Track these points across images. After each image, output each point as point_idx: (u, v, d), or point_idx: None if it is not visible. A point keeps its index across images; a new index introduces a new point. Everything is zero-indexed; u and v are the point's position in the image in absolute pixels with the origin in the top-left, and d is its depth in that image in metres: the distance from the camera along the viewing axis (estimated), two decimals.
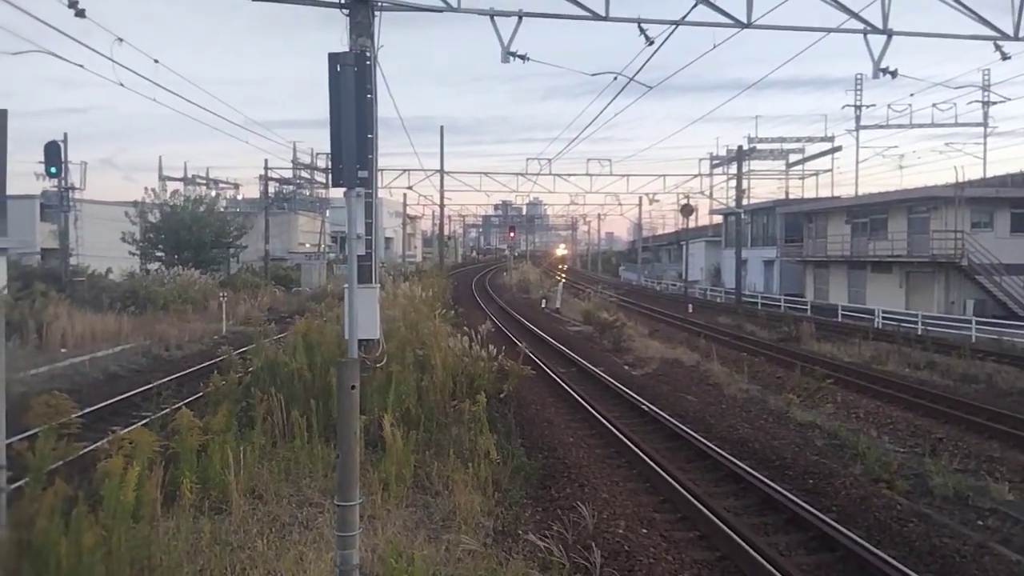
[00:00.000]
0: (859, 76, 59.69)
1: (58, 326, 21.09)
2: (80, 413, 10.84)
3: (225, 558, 6.23)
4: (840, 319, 34.48)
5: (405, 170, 50.62)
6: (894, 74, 15.72)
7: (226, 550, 6.46)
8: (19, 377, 14.69)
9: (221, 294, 29.33)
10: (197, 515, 7.22)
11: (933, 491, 9.85)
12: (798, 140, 63.87)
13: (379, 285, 13.48)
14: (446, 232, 75.37)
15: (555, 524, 7.72)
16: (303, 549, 6.50)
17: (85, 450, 8.28)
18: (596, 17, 14.20)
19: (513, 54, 14.22)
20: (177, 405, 11.60)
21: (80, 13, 13.53)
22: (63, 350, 20.15)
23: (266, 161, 50.80)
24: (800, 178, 67.15)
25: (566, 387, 15.97)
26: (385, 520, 7.40)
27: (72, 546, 4.89)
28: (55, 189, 34.42)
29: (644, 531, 7.87)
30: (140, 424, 9.54)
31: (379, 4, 12.42)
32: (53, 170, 28.25)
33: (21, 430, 7.37)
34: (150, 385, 14.93)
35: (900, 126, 59.20)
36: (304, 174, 61.04)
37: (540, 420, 12.97)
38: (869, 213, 40.21)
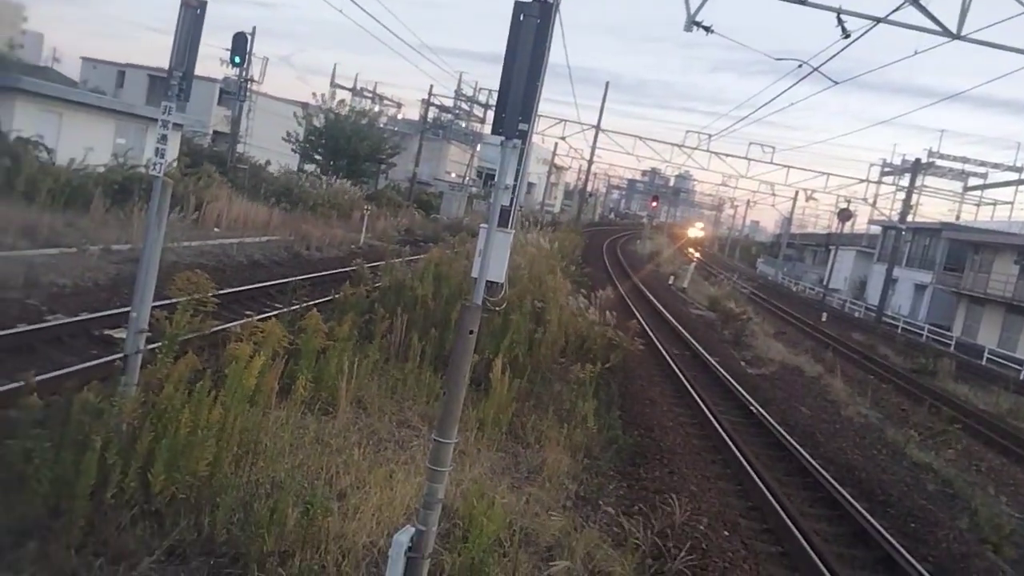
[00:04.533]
0: None
1: (215, 207, 22.53)
2: (218, 292, 11.60)
3: (323, 458, 6.57)
4: (984, 362, 32.12)
5: (561, 120, 50.49)
6: None
7: (325, 450, 6.80)
8: (172, 246, 15.79)
9: (365, 207, 30.42)
10: (306, 412, 7.64)
11: None
12: (982, 164, 59.09)
13: (514, 231, 13.60)
14: (589, 189, 74.77)
15: (639, 504, 7.70)
16: (394, 468, 6.75)
17: (217, 328, 8.85)
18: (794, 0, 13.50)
19: (699, 24, 13.75)
20: (308, 303, 12.26)
21: None
22: (216, 229, 21.58)
23: (431, 87, 52.25)
24: (976, 205, 62.42)
25: (676, 369, 15.72)
26: (474, 459, 7.58)
27: (192, 415, 5.28)
28: (235, 78, 36.48)
29: (726, 533, 7.73)
30: (272, 315, 10.10)
31: None
32: (237, 60, 29.79)
33: (162, 298, 7.92)
34: (286, 280, 15.79)
35: None
36: (464, 106, 61.85)
37: (643, 397, 12.86)
38: None
